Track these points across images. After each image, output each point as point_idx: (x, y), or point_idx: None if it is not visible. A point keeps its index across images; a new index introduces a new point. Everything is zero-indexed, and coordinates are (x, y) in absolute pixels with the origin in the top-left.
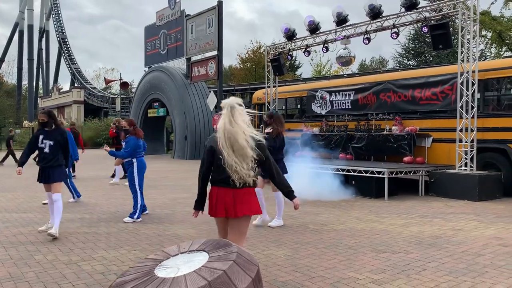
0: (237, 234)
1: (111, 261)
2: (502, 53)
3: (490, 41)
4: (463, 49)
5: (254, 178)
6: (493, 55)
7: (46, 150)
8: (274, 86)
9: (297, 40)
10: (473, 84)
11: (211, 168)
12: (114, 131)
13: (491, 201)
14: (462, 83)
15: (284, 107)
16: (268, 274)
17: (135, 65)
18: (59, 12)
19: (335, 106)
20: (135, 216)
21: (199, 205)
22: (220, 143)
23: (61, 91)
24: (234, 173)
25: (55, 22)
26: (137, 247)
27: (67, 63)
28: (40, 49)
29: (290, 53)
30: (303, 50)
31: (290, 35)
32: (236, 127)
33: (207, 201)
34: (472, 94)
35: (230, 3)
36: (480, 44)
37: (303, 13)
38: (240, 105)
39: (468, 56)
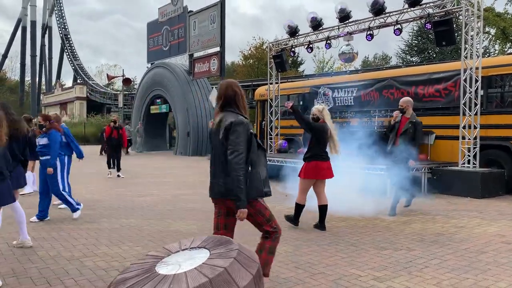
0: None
1: (113, 257)
2: (506, 49)
3: (494, 38)
4: (467, 46)
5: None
6: (497, 51)
7: None
8: (276, 83)
9: (300, 37)
10: (476, 81)
11: None
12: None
13: (494, 198)
14: (465, 80)
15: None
16: (270, 270)
17: (138, 60)
18: (62, 8)
19: (338, 103)
20: (75, 208)
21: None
22: (329, 131)
23: (63, 87)
24: (333, 150)
25: (58, 18)
26: (139, 243)
27: (69, 59)
28: (43, 45)
29: (293, 49)
30: (306, 46)
31: (293, 32)
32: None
33: None
34: (475, 91)
35: None
36: (483, 41)
37: (308, 7)
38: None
39: (472, 52)
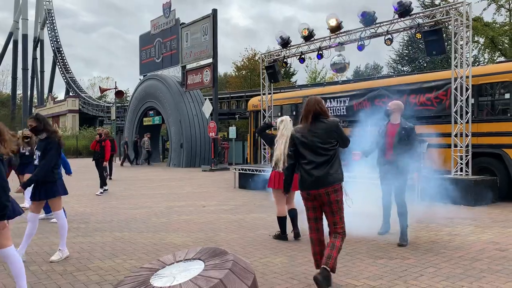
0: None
1: (107, 271)
2: (495, 58)
3: (483, 47)
4: (457, 55)
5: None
6: (486, 60)
7: (36, 161)
8: (269, 93)
9: (292, 47)
10: (467, 89)
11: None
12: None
13: (487, 206)
14: (456, 89)
15: (279, 114)
16: (265, 282)
17: (131, 72)
18: (54, 21)
19: (331, 113)
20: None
21: None
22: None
23: (56, 100)
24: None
25: (49, 32)
26: (133, 256)
27: (62, 72)
28: (34, 59)
29: (285, 60)
30: (298, 57)
31: (285, 43)
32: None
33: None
34: (466, 100)
35: (225, 9)
36: (473, 50)
37: (300, 18)
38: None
39: (462, 61)
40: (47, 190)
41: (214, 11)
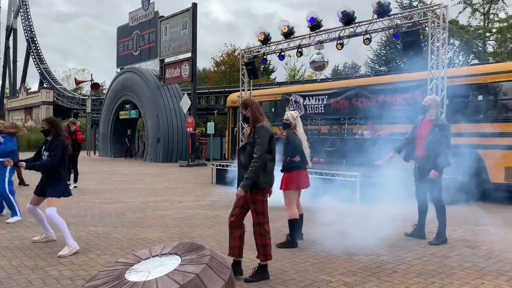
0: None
1: (80, 265)
2: (469, 61)
3: (458, 49)
4: (433, 56)
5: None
6: (461, 62)
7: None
8: (248, 90)
9: (272, 44)
10: (442, 90)
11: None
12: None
13: (458, 205)
14: (431, 89)
15: None
16: (241, 277)
17: (107, 65)
18: (28, 10)
19: (309, 110)
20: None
21: None
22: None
23: (29, 91)
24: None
25: (23, 20)
26: (107, 251)
27: (35, 62)
28: (7, 48)
29: (265, 56)
30: (278, 54)
31: (265, 39)
32: None
33: None
34: (441, 100)
35: (205, 3)
36: (448, 52)
37: (281, 15)
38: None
39: (438, 63)
40: (54, 189)
41: (194, 5)
